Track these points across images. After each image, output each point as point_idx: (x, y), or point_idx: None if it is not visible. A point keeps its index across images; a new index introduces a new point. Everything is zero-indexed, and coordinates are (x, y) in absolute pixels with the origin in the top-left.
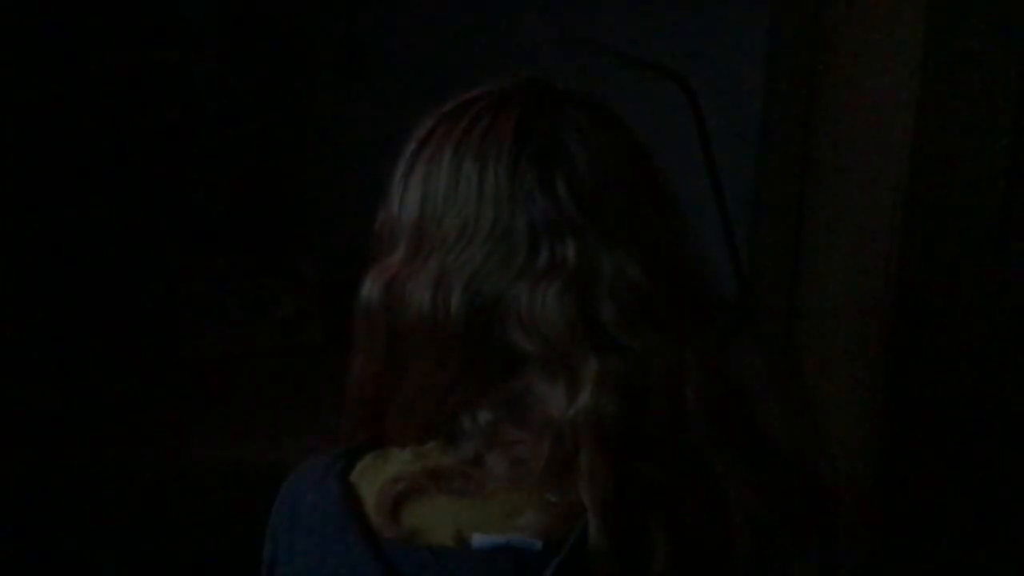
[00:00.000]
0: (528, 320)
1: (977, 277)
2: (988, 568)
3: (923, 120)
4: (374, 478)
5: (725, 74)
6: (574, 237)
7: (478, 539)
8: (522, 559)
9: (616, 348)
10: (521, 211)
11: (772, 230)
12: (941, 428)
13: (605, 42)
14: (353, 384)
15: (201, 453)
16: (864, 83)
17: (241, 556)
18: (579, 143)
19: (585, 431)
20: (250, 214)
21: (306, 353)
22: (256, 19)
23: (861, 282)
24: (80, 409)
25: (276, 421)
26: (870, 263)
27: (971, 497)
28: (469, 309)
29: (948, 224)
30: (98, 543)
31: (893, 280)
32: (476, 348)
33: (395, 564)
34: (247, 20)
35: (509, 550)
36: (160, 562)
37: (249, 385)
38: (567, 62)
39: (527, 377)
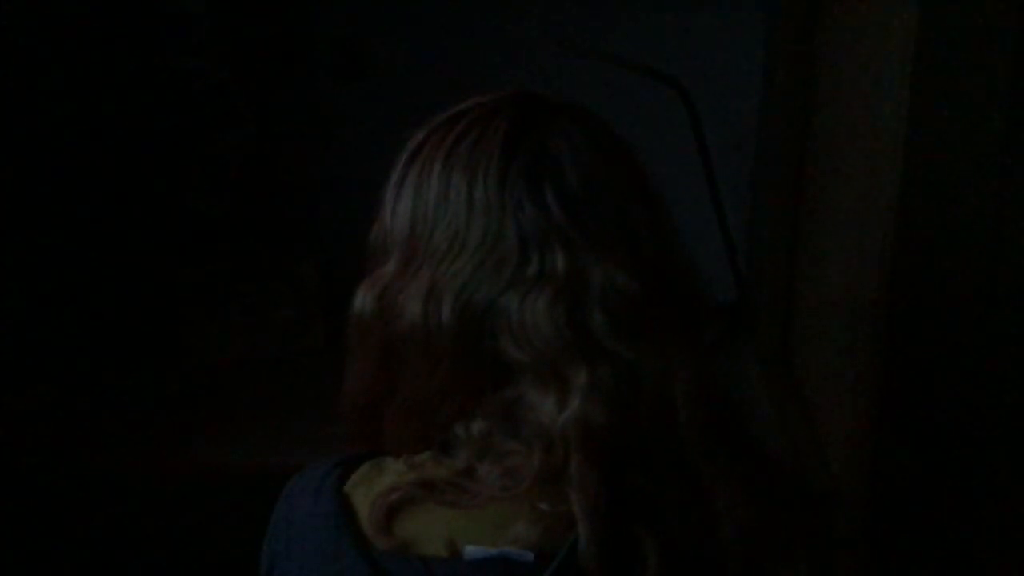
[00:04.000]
0: (518, 329)
1: (973, 280)
2: (985, 571)
3: (917, 123)
4: (368, 488)
5: (722, 78)
6: (563, 246)
7: (470, 550)
8: (514, 571)
9: (606, 357)
10: (511, 221)
11: (769, 233)
12: (937, 431)
13: (602, 46)
14: (348, 394)
15: (201, 458)
16: (859, 87)
17: (240, 561)
18: (568, 153)
19: (575, 439)
20: (250, 218)
21: (307, 358)
22: (254, 22)
23: (857, 285)
24: (81, 413)
25: (276, 426)
26: (866, 266)
27: (968, 500)
28: (460, 319)
29: (943, 226)
30: (98, 547)
31: (888, 283)
32: (468, 358)
33: (388, 574)
34: (245, 23)
35: (501, 561)
36: (160, 566)
37: (249, 390)
38: (565, 66)
39: (519, 386)
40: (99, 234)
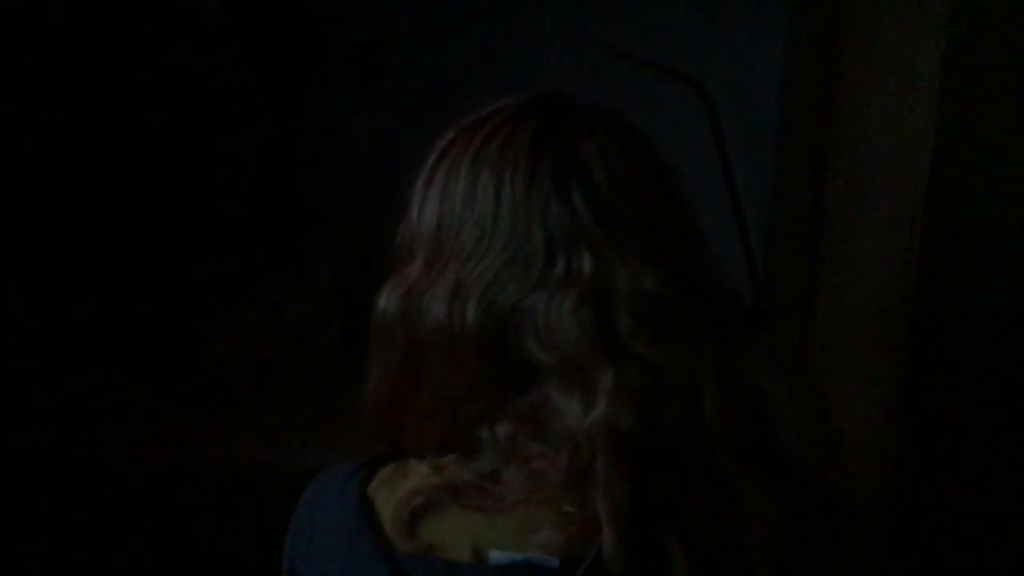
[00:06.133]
0: (544, 331)
1: (996, 279)
2: (1005, 570)
3: (942, 120)
4: (392, 491)
5: (742, 78)
6: (590, 248)
7: (495, 556)
8: None
9: (632, 359)
10: (538, 222)
11: (788, 233)
12: (959, 432)
13: (621, 46)
14: (369, 394)
15: (216, 455)
16: (882, 85)
17: (256, 559)
18: (596, 154)
19: (601, 442)
20: (265, 216)
21: (321, 355)
22: (269, 20)
23: (878, 285)
24: (96, 411)
25: (291, 423)
26: (887, 266)
27: (989, 501)
28: (485, 320)
29: (967, 225)
30: (113, 544)
31: (911, 283)
32: (492, 359)
33: None
34: (260, 20)
35: (527, 567)
36: (175, 564)
37: (264, 387)
38: (582, 65)
39: (544, 389)
40: (114, 231)
